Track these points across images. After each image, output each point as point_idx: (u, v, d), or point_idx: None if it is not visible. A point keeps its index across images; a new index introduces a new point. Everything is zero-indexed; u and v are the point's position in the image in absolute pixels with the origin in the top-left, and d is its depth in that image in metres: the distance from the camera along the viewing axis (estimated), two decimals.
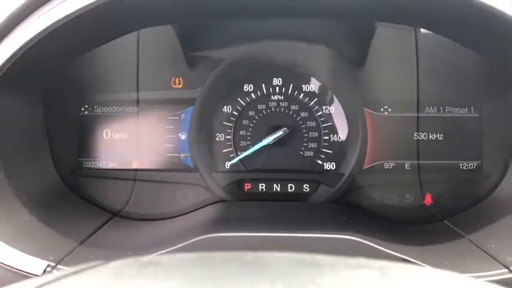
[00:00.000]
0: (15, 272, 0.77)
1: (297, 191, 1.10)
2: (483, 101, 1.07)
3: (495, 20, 0.69)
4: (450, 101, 1.08)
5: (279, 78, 1.11)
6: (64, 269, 0.76)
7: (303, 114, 1.11)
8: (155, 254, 0.79)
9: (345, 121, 1.10)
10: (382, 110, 1.08)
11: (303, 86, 1.11)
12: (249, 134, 1.12)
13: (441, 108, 1.08)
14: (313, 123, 1.11)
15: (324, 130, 1.11)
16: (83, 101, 1.12)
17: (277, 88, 1.12)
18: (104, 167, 1.12)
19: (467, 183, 1.06)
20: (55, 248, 0.83)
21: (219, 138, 1.12)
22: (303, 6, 0.88)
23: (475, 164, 1.07)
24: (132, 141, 1.12)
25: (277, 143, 1.09)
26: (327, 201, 1.08)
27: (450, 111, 1.08)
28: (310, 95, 1.11)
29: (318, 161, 1.11)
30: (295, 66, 1.11)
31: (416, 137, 1.08)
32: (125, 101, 1.12)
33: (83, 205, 1.07)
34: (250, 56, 1.10)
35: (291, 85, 1.11)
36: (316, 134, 1.11)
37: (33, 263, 0.77)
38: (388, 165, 1.09)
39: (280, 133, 1.09)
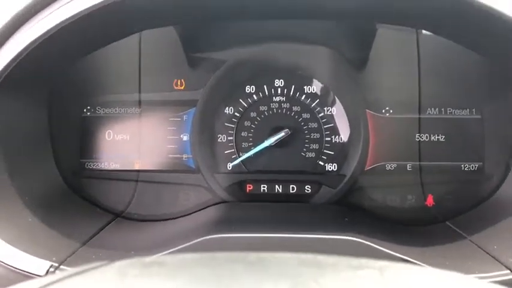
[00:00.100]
0: (18, 272, 0.77)
1: (298, 192, 1.10)
2: (484, 102, 1.07)
3: (495, 21, 0.70)
4: (451, 102, 1.08)
5: (281, 80, 1.12)
6: (67, 270, 0.76)
7: (305, 115, 1.11)
8: (158, 254, 0.79)
9: (347, 122, 1.10)
10: (383, 111, 1.09)
11: (305, 87, 1.11)
12: (251, 135, 1.12)
13: (443, 109, 1.09)
14: (315, 125, 1.11)
15: (325, 131, 1.11)
16: (85, 102, 1.13)
17: (279, 89, 1.12)
18: (106, 168, 1.13)
19: (469, 185, 1.06)
20: (58, 249, 0.83)
21: (221, 139, 1.12)
22: (303, 8, 0.88)
23: (477, 165, 1.07)
24: (134, 142, 1.13)
25: (279, 144, 1.10)
26: (328, 202, 1.08)
27: (452, 112, 1.09)
28: (312, 96, 1.11)
29: (320, 162, 1.11)
30: (297, 68, 1.11)
31: (417, 138, 1.08)
32: (127, 102, 1.13)
33: (86, 206, 1.07)
34: (252, 57, 1.11)
35: (293, 86, 1.12)
36: (318, 135, 1.11)
37: (36, 264, 0.77)
38: (390, 166, 1.09)
39: (282, 134, 1.09)
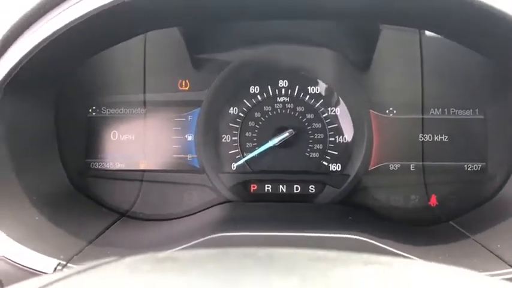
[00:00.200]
0: (26, 270, 0.78)
1: (302, 192, 1.11)
2: (487, 102, 1.08)
3: (495, 20, 0.70)
4: (455, 103, 1.09)
5: (285, 80, 1.13)
6: (74, 267, 0.77)
7: (309, 115, 1.12)
8: (168, 251, 0.79)
9: (351, 123, 1.11)
10: (387, 111, 1.09)
11: (309, 88, 1.12)
12: (255, 135, 1.13)
13: (446, 110, 1.09)
14: (318, 125, 1.12)
15: (329, 132, 1.12)
16: (91, 102, 1.14)
17: (283, 90, 1.13)
18: (112, 168, 1.14)
19: (472, 185, 1.06)
20: (65, 247, 0.84)
21: (225, 139, 1.13)
22: (305, 8, 0.89)
23: (480, 166, 1.08)
24: (139, 142, 1.14)
25: (283, 144, 1.10)
26: (332, 202, 1.09)
27: (455, 113, 1.09)
28: (316, 96, 1.12)
29: (324, 162, 1.12)
30: (301, 69, 1.12)
31: (421, 138, 1.09)
32: (132, 103, 1.14)
33: (91, 205, 1.08)
34: (256, 58, 1.12)
35: (297, 87, 1.12)
36: (321, 136, 1.12)
37: (44, 262, 0.78)
38: (394, 166, 1.09)
39: (286, 134, 1.10)
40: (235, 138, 1.13)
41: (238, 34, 1.13)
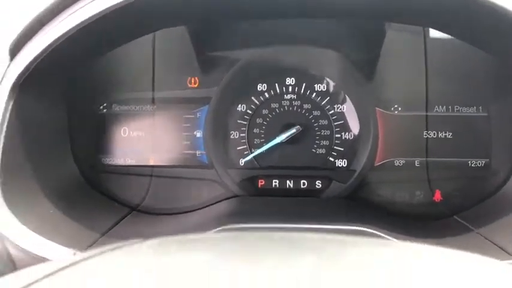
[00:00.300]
0: (43, 260, 0.80)
1: (309, 187, 1.13)
2: (491, 100, 1.09)
3: (498, 17, 0.72)
4: (458, 100, 1.11)
5: (292, 78, 1.15)
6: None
7: (316, 112, 1.14)
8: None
9: (357, 120, 1.13)
10: (392, 109, 1.11)
11: (316, 85, 1.14)
12: (263, 131, 1.15)
13: (450, 107, 1.11)
14: (325, 122, 1.14)
15: (335, 128, 1.14)
16: (101, 100, 1.16)
17: (290, 87, 1.15)
18: (122, 163, 1.16)
19: (476, 180, 1.08)
20: (79, 239, 0.87)
21: (233, 136, 1.15)
22: (311, 6, 0.91)
23: (484, 162, 1.10)
24: (149, 138, 1.16)
25: (290, 140, 1.12)
26: (338, 197, 1.11)
27: (459, 110, 1.11)
28: (323, 94, 1.14)
29: (330, 158, 1.14)
30: (307, 68, 1.14)
31: (425, 135, 1.11)
32: (142, 100, 1.16)
33: (103, 200, 1.11)
34: (264, 57, 1.14)
35: (304, 85, 1.15)
36: (328, 132, 1.14)
37: (60, 252, 0.80)
38: (399, 162, 1.11)
39: (293, 131, 1.12)
40: (243, 134, 1.15)
41: (246, 33, 1.15)
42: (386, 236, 0.82)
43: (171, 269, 0.39)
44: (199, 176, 1.14)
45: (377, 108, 1.10)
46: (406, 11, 0.89)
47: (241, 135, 1.15)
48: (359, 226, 0.84)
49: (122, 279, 0.38)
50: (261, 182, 1.14)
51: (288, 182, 1.14)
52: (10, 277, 0.44)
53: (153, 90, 1.16)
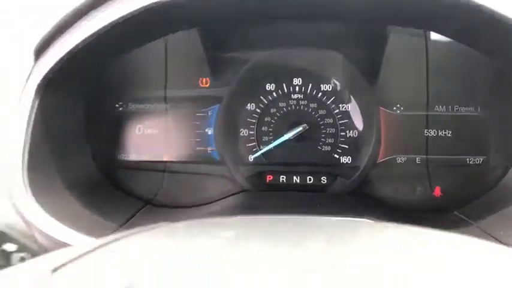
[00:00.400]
0: (66, 246, 0.86)
1: (315, 183, 1.18)
2: (488, 100, 1.14)
3: (494, 22, 0.77)
4: (458, 100, 1.16)
5: (299, 79, 1.20)
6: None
7: (321, 112, 1.19)
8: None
9: (361, 118, 1.18)
10: (394, 108, 1.17)
11: (322, 86, 1.19)
12: (271, 129, 1.20)
13: (449, 107, 1.16)
14: (330, 120, 1.19)
15: (340, 127, 1.19)
16: (118, 98, 1.21)
17: (297, 87, 1.20)
18: (137, 159, 1.22)
19: (474, 176, 1.13)
20: (99, 228, 0.92)
21: (243, 133, 1.21)
22: (316, 10, 0.97)
23: (481, 159, 1.15)
24: (163, 135, 1.22)
25: (297, 138, 1.18)
26: (343, 192, 1.16)
27: (458, 110, 1.16)
28: (328, 94, 1.19)
29: (335, 155, 1.19)
30: (314, 69, 1.19)
31: (426, 133, 1.16)
32: (156, 99, 1.21)
33: (119, 194, 1.16)
34: (272, 59, 1.19)
35: (310, 85, 1.20)
36: (333, 130, 1.19)
37: (81, 239, 0.86)
38: (400, 159, 1.17)
39: (300, 129, 1.17)
40: (253, 132, 1.20)
41: (255, 36, 1.20)
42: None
43: (198, 247, 0.44)
44: (210, 172, 1.20)
45: (380, 108, 1.16)
46: (405, 16, 0.95)
47: (251, 132, 1.21)
48: (363, 218, 0.89)
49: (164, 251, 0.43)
50: (269, 178, 1.20)
51: (294, 177, 1.19)
52: (56, 253, 0.50)
53: (165, 89, 1.21)
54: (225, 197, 1.18)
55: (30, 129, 0.90)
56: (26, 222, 0.87)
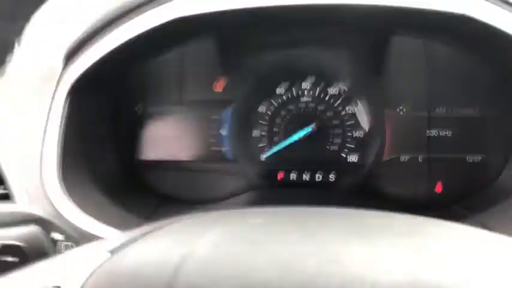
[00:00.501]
0: (97, 239, 0.93)
1: (324, 180, 1.25)
2: (487, 102, 1.20)
3: (490, 33, 0.84)
4: (458, 102, 1.22)
5: (308, 83, 1.28)
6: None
7: (329, 113, 1.26)
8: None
9: (366, 119, 1.25)
10: (398, 109, 1.24)
11: (329, 89, 1.27)
12: (282, 130, 1.27)
13: (450, 108, 1.23)
14: (337, 121, 1.26)
15: (347, 127, 1.26)
16: (139, 100, 1.29)
17: (305, 91, 1.28)
18: (156, 158, 1.29)
19: (474, 174, 1.20)
20: (127, 221, 1.00)
21: (255, 134, 1.28)
22: (324, 17, 1.04)
23: (480, 157, 1.21)
24: (180, 136, 1.29)
25: (307, 138, 1.25)
26: (350, 189, 1.24)
27: (458, 111, 1.23)
28: (336, 97, 1.26)
29: (342, 154, 1.26)
30: (322, 74, 1.26)
31: (428, 133, 1.23)
32: (173, 101, 1.28)
33: (140, 190, 1.24)
34: (283, 64, 1.27)
35: (318, 88, 1.27)
36: (340, 131, 1.26)
37: (110, 232, 0.93)
38: (404, 158, 1.23)
39: (309, 130, 1.24)
40: (264, 133, 1.28)
41: (267, 40, 1.27)
42: None
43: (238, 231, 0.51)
44: (224, 170, 1.27)
45: (385, 109, 1.23)
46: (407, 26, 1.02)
47: (262, 133, 1.28)
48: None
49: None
50: (280, 175, 1.27)
51: (304, 175, 1.27)
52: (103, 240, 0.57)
53: (184, 93, 1.29)
54: (239, 194, 1.25)
55: (62, 135, 0.97)
56: (59, 216, 0.94)
